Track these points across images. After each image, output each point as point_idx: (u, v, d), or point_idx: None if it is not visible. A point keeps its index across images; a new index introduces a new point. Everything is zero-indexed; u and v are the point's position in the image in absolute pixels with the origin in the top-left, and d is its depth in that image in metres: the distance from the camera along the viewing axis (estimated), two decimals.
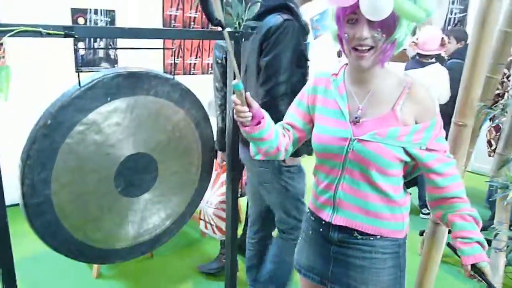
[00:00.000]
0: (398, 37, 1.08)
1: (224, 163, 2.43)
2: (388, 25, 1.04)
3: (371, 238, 1.22)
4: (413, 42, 3.43)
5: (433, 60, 3.43)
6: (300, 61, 1.75)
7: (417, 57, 3.51)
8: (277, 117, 1.41)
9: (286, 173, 1.90)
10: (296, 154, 1.78)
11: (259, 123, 1.19)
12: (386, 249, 1.23)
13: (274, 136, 1.24)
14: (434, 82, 3.17)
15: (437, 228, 1.74)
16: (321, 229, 1.30)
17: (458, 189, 1.21)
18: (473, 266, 1.15)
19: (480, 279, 1.15)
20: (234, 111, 1.16)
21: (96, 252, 1.49)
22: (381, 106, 1.17)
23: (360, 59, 1.10)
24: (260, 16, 1.77)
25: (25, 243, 2.73)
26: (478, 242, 1.17)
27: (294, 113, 1.33)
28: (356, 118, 1.18)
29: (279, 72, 1.71)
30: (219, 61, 2.23)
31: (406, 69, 3.50)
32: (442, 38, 3.42)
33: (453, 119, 1.65)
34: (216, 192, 2.51)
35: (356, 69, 1.18)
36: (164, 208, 1.58)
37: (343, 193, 1.21)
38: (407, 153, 1.16)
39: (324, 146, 1.22)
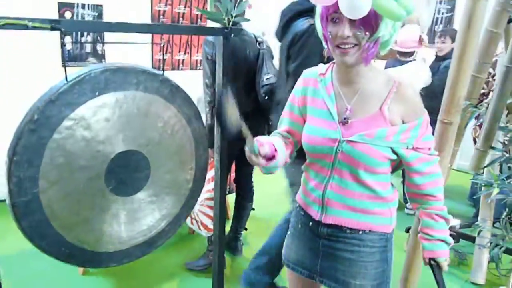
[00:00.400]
0: (381, 35, 1.08)
1: (212, 160, 2.43)
2: (370, 24, 1.06)
3: (360, 232, 1.24)
4: None
5: (412, 58, 3.49)
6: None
7: (397, 55, 3.57)
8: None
9: None
10: None
11: (273, 157, 1.17)
12: (375, 243, 1.25)
13: (283, 156, 1.24)
14: (414, 79, 3.24)
15: None
16: (310, 223, 1.31)
17: (433, 186, 1.24)
18: (432, 259, 1.27)
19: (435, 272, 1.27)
20: (248, 159, 1.15)
21: (88, 255, 1.45)
22: (369, 106, 1.18)
23: (344, 55, 1.10)
24: (289, 21, 1.82)
25: (10, 240, 2.70)
26: (441, 240, 1.25)
27: (288, 117, 1.34)
28: (344, 118, 1.19)
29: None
30: (209, 57, 2.22)
31: (386, 67, 3.56)
32: (420, 36, 3.48)
33: (439, 117, 1.67)
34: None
35: (342, 67, 1.19)
36: (158, 209, 1.56)
37: (332, 193, 1.23)
38: (394, 152, 1.18)
39: (313, 147, 1.23)
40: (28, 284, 2.40)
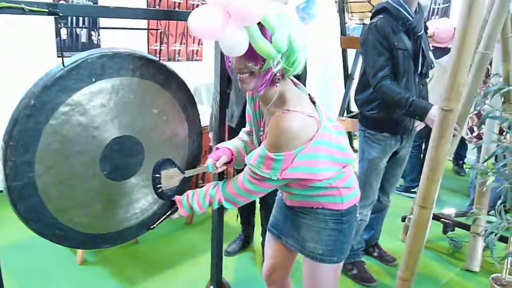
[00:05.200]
0: (271, 67, 1.21)
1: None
2: (256, 57, 1.19)
3: (314, 207, 1.43)
4: (428, 37, 3.46)
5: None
6: (385, 50, 2.13)
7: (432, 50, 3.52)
8: (383, 97, 2.15)
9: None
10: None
11: (231, 160, 1.53)
12: (327, 216, 1.43)
13: (246, 153, 1.49)
14: None
15: (422, 212, 1.77)
16: (282, 197, 1.59)
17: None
18: None
19: None
20: None
21: (82, 237, 1.45)
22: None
23: (242, 83, 1.27)
24: (370, 19, 2.26)
25: (8, 231, 2.69)
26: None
27: (249, 120, 1.55)
28: (260, 135, 1.44)
29: (368, 67, 2.21)
30: None
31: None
32: (455, 28, 3.45)
33: (439, 104, 1.67)
34: None
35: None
36: (151, 193, 1.56)
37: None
38: None
39: None
40: (27, 274, 2.40)
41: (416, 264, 1.87)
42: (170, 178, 1.43)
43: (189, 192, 1.44)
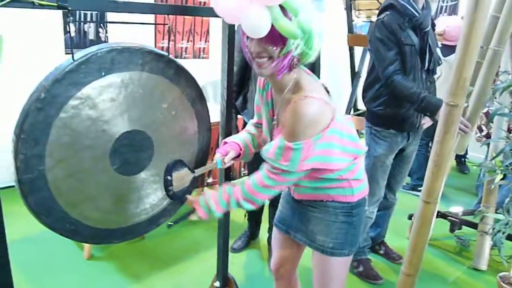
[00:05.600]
0: (291, 50, 1.19)
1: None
2: (277, 40, 1.17)
3: (324, 201, 1.42)
4: (438, 34, 3.43)
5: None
6: (394, 45, 2.13)
7: (441, 47, 3.45)
8: (394, 92, 2.13)
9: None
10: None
11: (239, 155, 1.53)
12: (337, 209, 1.42)
13: (252, 147, 1.56)
14: None
15: (427, 207, 1.77)
16: (290, 192, 1.56)
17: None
18: None
19: None
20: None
21: (92, 232, 1.46)
22: (283, 116, 1.30)
23: (259, 68, 1.24)
24: (378, 15, 2.28)
25: (16, 225, 2.71)
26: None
27: (257, 112, 1.55)
28: (273, 125, 1.42)
29: (378, 62, 2.18)
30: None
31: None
32: None
33: (444, 99, 1.67)
34: None
35: (269, 78, 1.33)
36: (161, 188, 1.56)
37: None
38: None
39: None
40: (34, 269, 2.42)
41: (420, 260, 1.86)
42: (181, 179, 1.45)
43: (205, 192, 1.41)
